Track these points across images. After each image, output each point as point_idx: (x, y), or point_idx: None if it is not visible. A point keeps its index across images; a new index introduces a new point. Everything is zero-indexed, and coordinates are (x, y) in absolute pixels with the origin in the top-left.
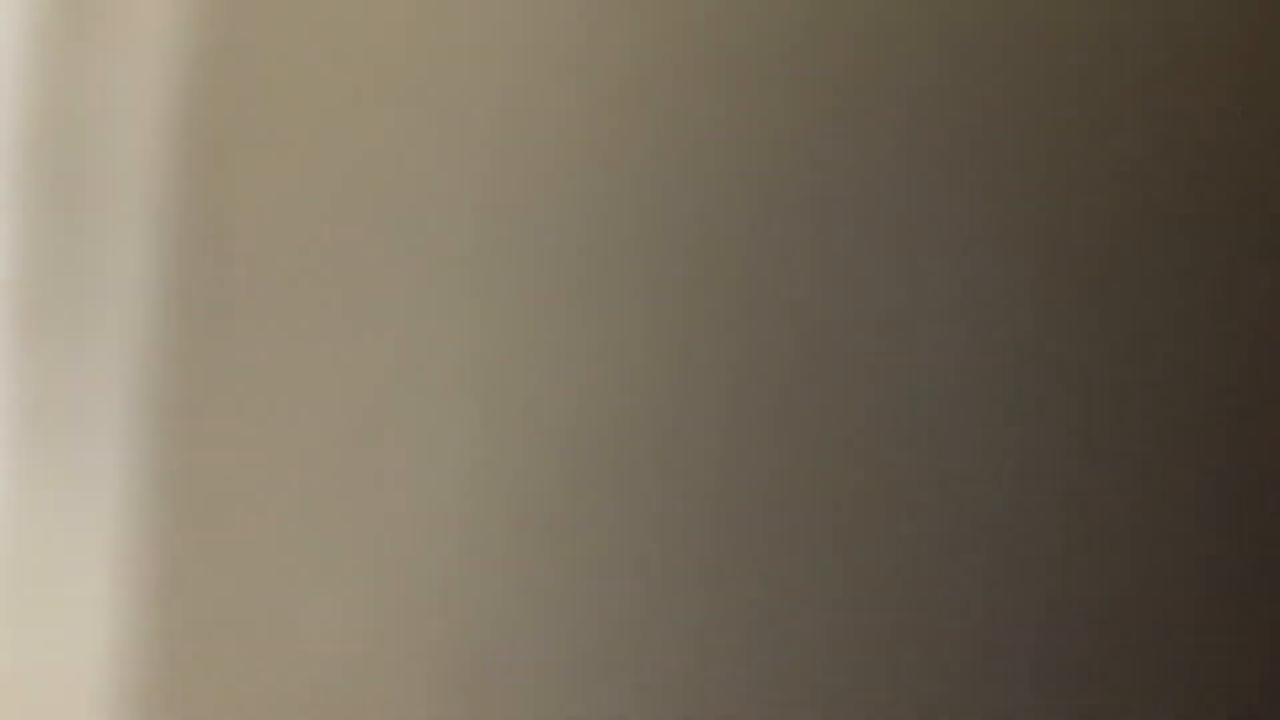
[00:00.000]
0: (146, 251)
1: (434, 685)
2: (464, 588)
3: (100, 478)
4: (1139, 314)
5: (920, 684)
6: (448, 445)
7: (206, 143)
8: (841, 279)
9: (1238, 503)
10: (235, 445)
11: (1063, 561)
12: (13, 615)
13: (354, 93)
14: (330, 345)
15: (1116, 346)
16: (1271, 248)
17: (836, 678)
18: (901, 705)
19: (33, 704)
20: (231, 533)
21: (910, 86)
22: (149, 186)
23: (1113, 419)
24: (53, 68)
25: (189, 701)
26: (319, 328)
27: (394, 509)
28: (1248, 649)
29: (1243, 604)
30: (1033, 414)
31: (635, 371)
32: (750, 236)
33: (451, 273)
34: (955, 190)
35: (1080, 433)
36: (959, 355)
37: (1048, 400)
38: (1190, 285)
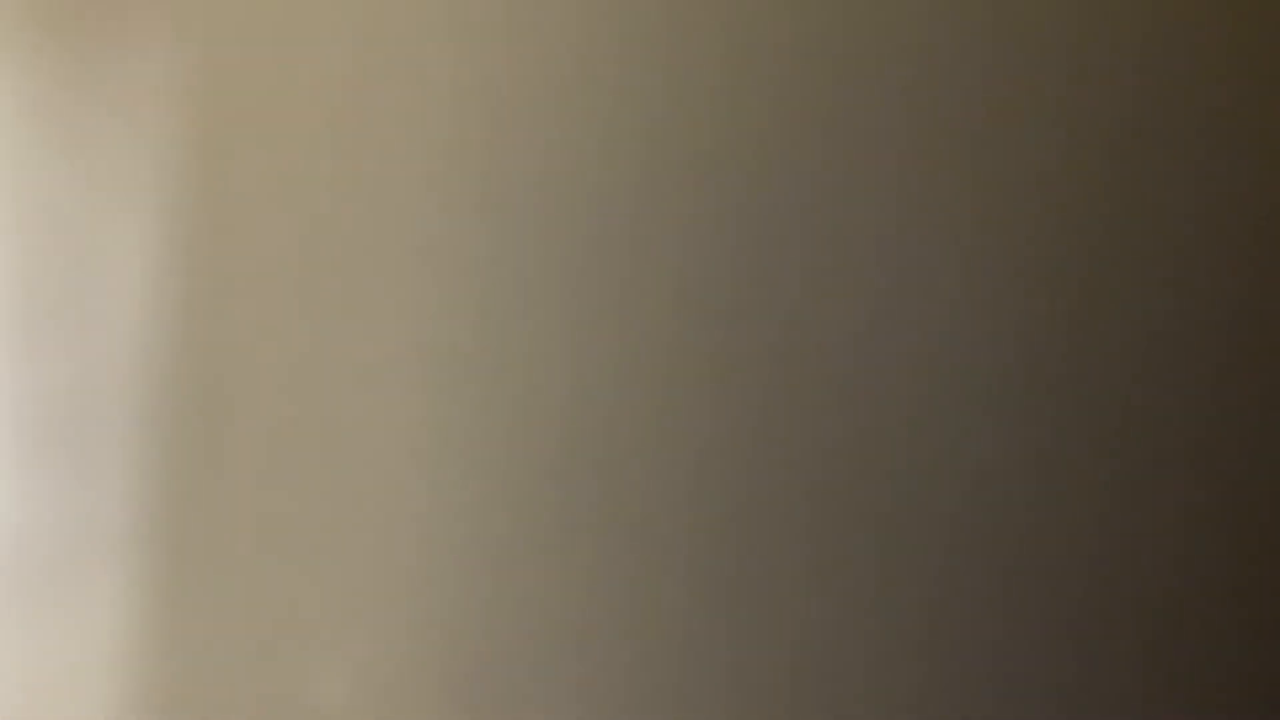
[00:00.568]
0: (150, 254)
1: (436, 688)
2: (464, 589)
3: (107, 482)
4: (1139, 314)
5: (920, 684)
6: (449, 449)
7: (204, 134)
8: (840, 279)
9: (1238, 503)
10: (235, 450)
11: (1063, 562)
12: (19, 620)
13: (352, 95)
14: (331, 346)
15: (1116, 347)
16: (1272, 248)
17: (835, 675)
18: (901, 705)
19: (39, 708)
20: (234, 538)
21: (908, 87)
22: (148, 186)
23: (1113, 419)
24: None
25: (193, 705)
26: (320, 328)
27: (395, 511)
28: (1248, 649)
29: (1243, 604)
30: (1032, 414)
31: (636, 371)
32: (749, 236)
33: (451, 275)
34: (954, 191)
35: (1080, 433)
36: (958, 355)
37: (1047, 400)
38: (1191, 285)
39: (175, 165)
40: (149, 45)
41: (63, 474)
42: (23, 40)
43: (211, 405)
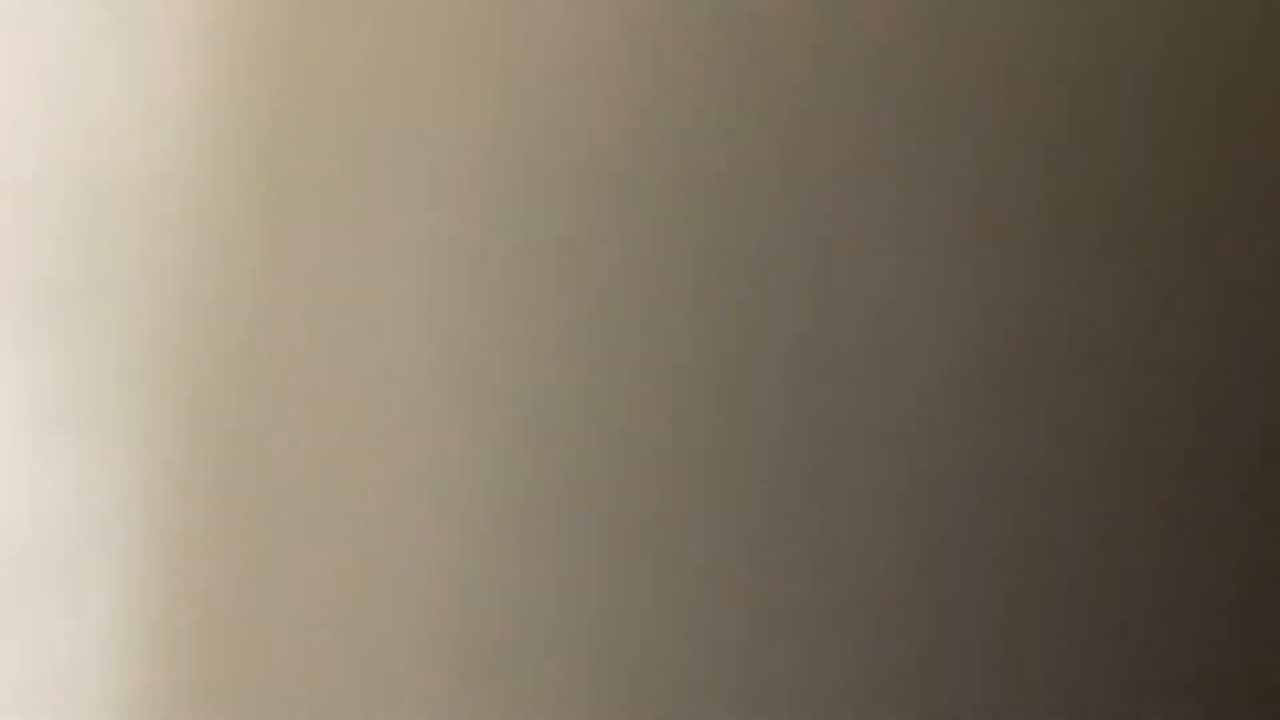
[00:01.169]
0: (155, 250)
1: (440, 686)
2: (470, 586)
3: (112, 477)
4: (1140, 315)
5: (920, 684)
6: (455, 440)
7: (214, 145)
8: (840, 279)
9: (1238, 504)
10: (238, 448)
11: (1064, 563)
12: (20, 619)
13: (352, 96)
14: (339, 346)
15: (1116, 347)
16: (1272, 248)
17: (842, 675)
18: (901, 706)
19: (38, 707)
20: (236, 536)
21: (908, 86)
22: (155, 183)
23: (1113, 420)
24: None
25: (198, 699)
26: (327, 326)
27: (399, 509)
28: (1248, 649)
29: (1242, 604)
30: (1032, 414)
31: (637, 371)
32: (749, 236)
33: (456, 273)
34: (954, 191)
35: (1079, 434)
36: (959, 355)
37: (1047, 401)
38: (1191, 286)
39: (188, 161)
40: (163, 37)
41: (65, 472)
42: (34, 32)
43: (215, 404)
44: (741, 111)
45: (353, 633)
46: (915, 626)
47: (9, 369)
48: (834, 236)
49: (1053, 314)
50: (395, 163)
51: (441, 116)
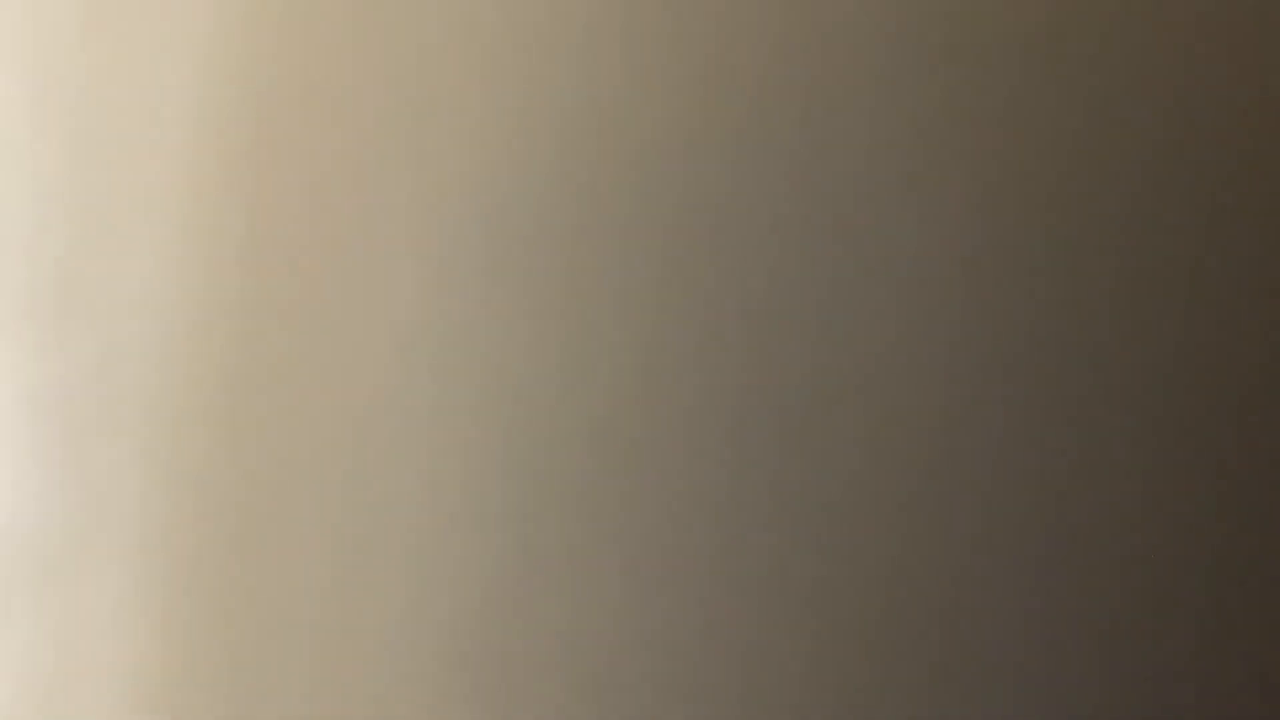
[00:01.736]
0: (157, 249)
1: (440, 688)
2: (471, 590)
3: (111, 480)
4: (1140, 315)
5: (919, 685)
6: (452, 442)
7: (212, 146)
8: (840, 279)
9: (1238, 504)
10: (240, 449)
11: (1064, 564)
12: (21, 618)
13: (351, 97)
14: (338, 345)
15: (1117, 348)
16: (1272, 249)
17: (842, 677)
18: (900, 706)
19: (40, 706)
20: (238, 536)
21: (908, 86)
22: (157, 182)
23: (1114, 421)
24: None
25: (201, 701)
26: (331, 327)
27: (402, 511)
28: (1247, 650)
29: (1242, 605)
30: (1032, 415)
31: (634, 372)
32: (749, 237)
33: (455, 274)
34: (955, 191)
35: (1080, 434)
36: (959, 355)
37: (1048, 403)
38: (1192, 286)
39: (188, 161)
40: (161, 37)
41: (67, 471)
42: (39, 32)
43: (217, 403)
44: (745, 113)
45: (351, 629)
46: (926, 636)
47: (6, 367)
48: (840, 239)
49: (1058, 321)
50: (390, 163)
51: (437, 117)
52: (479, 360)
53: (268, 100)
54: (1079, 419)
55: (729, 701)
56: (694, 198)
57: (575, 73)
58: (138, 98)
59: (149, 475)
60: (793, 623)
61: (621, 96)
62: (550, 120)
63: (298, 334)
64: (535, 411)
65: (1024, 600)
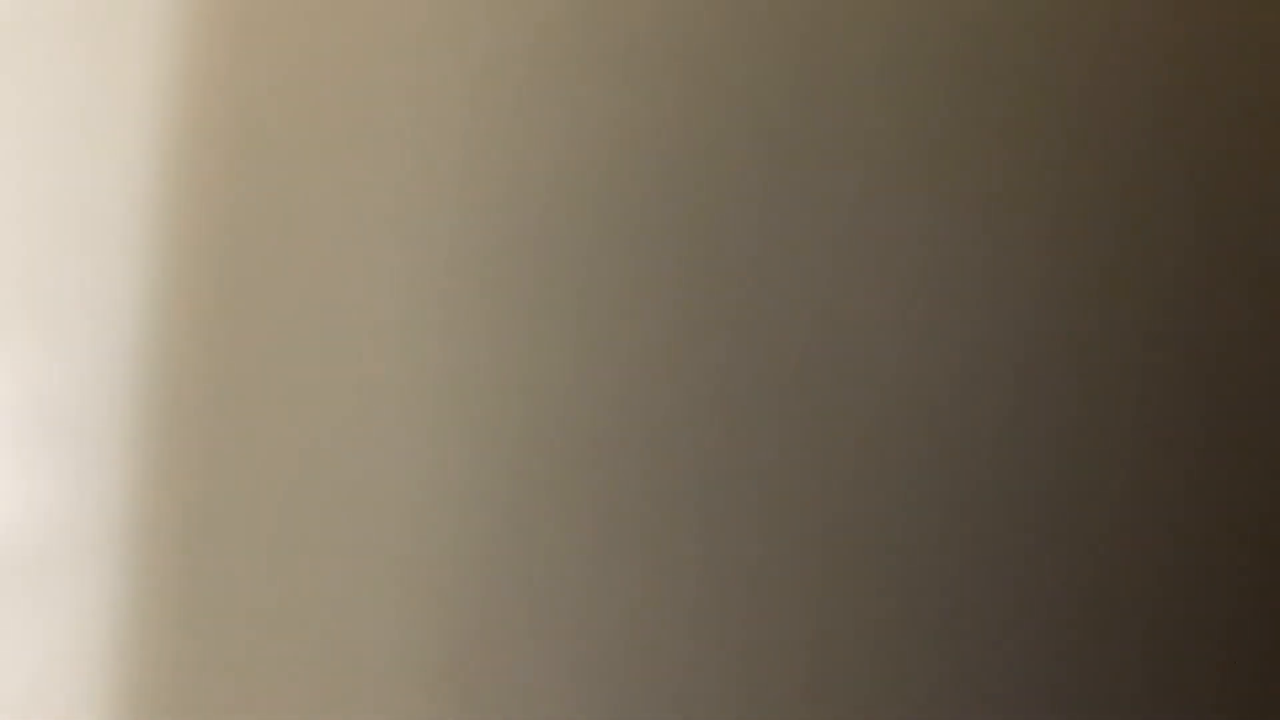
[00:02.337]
0: (148, 251)
1: (431, 686)
2: (461, 588)
3: (103, 481)
4: (1140, 316)
5: (919, 685)
6: (443, 443)
7: (202, 147)
8: (839, 279)
9: (1238, 504)
10: (232, 449)
11: (1064, 564)
12: (14, 618)
13: (345, 99)
14: (326, 346)
15: (1117, 348)
16: (1273, 249)
17: (835, 674)
18: (899, 706)
19: (33, 705)
20: (230, 536)
21: (910, 86)
22: (146, 185)
23: (1113, 421)
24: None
25: (182, 700)
26: (314, 328)
27: (393, 509)
28: (1248, 650)
29: (1242, 605)
30: (1032, 415)
31: (634, 370)
32: (748, 237)
33: (445, 276)
34: (955, 191)
35: (1079, 434)
36: (959, 355)
37: (1047, 402)
38: (1193, 286)
39: (177, 163)
40: (149, 41)
41: (58, 472)
42: (24, 35)
43: (208, 405)
44: (741, 113)
45: (337, 635)
46: (917, 631)
47: (1, 370)
48: (838, 240)
49: (1052, 315)
50: (383, 164)
51: (432, 117)
52: (469, 362)
53: (258, 101)
54: (1078, 419)
55: (729, 701)
56: (693, 198)
57: (569, 72)
58: (129, 101)
59: (138, 477)
60: (793, 623)
61: (620, 96)
62: (550, 120)
63: (289, 336)
64: (532, 412)
65: (1024, 600)
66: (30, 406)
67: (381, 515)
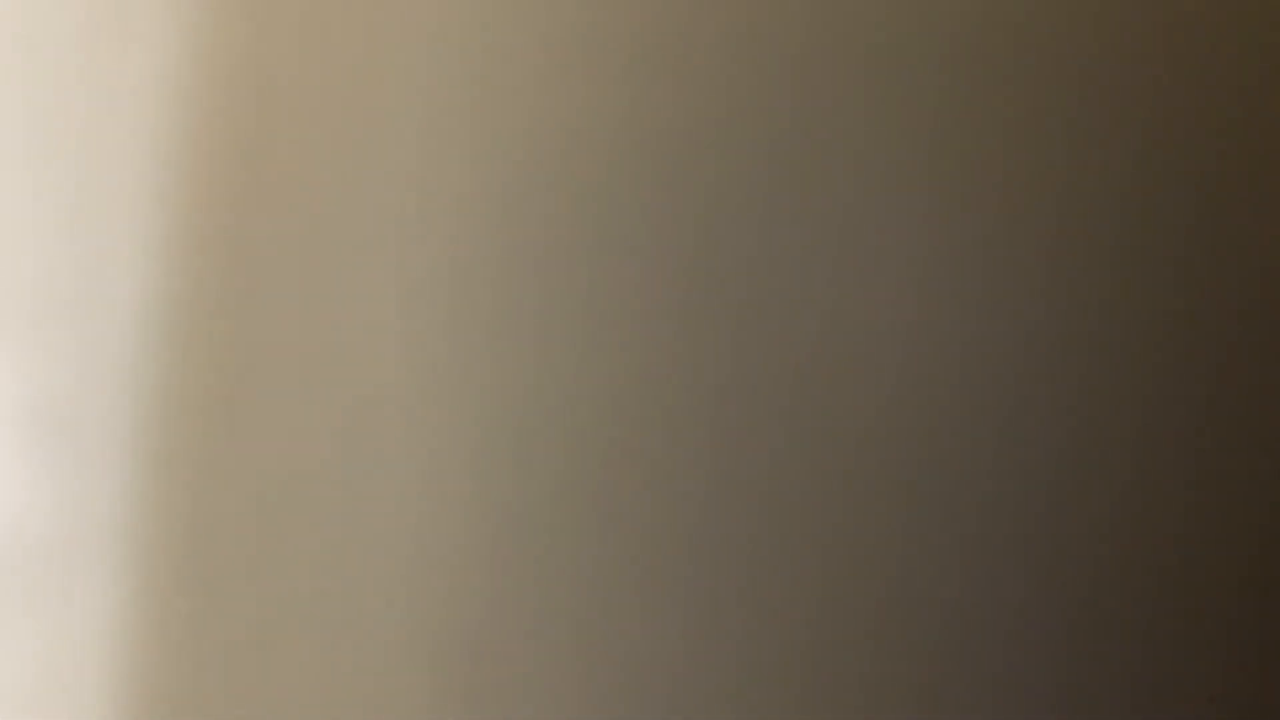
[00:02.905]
0: (147, 251)
1: (431, 687)
2: (461, 588)
3: (105, 480)
4: (1140, 316)
5: (919, 686)
6: (444, 444)
7: (201, 147)
8: (841, 279)
9: (1238, 504)
10: (233, 448)
11: (1065, 565)
12: (15, 618)
13: (355, 95)
14: (326, 345)
15: (1118, 348)
16: (1273, 249)
17: (835, 674)
18: (900, 707)
19: (34, 705)
20: (231, 535)
21: (911, 86)
22: (145, 186)
23: (1114, 421)
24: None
25: (189, 703)
26: (320, 326)
27: (393, 508)
28: (1247, 650)
29: (1242, 605)
30: (1033, 415)
31: (636, 369)
32: (750, 237)
33: (447, 277)
34: (955, 191)
35: (1080, 434)
36: (959, 355)
37: (1048, 402)
38: (1193, 286)
39: (176, 164)
40: (152, 42)
41: (60, 472)
42: (25, 36)
43: (210, 403)
44: (743, 114)
45: (341, 632)
46: (914, 636)
47: (3, 370)
48: (835, 240)
49: (1058, 320)
50: (384, 165)
51: (435, 118)
52: (471, 362)
53: (259, 102)
54: (1079, 419)
55: (730, 701)
56: (695, 198)
57: (566, 73)
58: (118, 100)
59: (140, 477)
60: (795, 623)
61: (621, 96)
62: (551, 120)
63: (291, 337)
64: (534, 412)
65: (1024, 601)
66: (32, 407)
67: (383, 516)
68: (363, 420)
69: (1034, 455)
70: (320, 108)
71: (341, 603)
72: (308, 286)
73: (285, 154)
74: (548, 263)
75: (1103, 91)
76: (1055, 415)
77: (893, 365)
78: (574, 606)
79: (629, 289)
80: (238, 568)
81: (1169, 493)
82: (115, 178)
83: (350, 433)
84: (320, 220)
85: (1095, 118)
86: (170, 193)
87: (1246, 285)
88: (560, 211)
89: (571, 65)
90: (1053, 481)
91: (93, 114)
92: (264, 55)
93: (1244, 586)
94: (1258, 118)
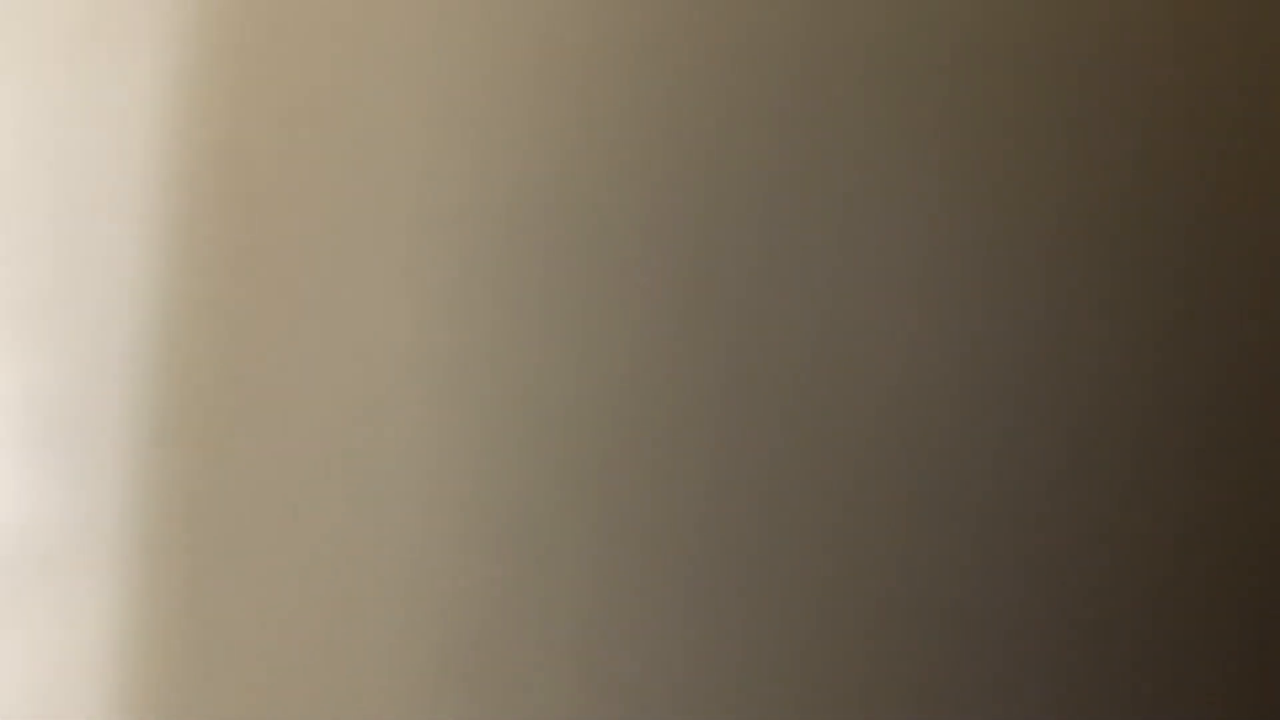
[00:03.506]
0: (148, 253)
1: (433, 687)
2: (464, 588)
3: (104, 483)
4: (1142, 316)
5: (920, 686)
6: (446, 444)
7: (202, 148)
8: (842, 279)
9: (1238, 504)
10: (234, 450)
11: (1066, 565)
12: (15, 620)
13: (346, 100)
14: (328, 346)
15: (1119, 348)
16: (1273, 249)
17: (835, 674)
18: (900, 707)
19: (34, 708)
20: (231, 538)
21: (912, 86)
22: (147, 186)
23: (1115, 421)
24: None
25: (189, 705)
26: (321, 327)
27: (395, 509)
28: (1247, 650)
29: (1243, 606)
30: (1034, 415)
31: (631, 370)
32: (752, 237)
33: (440, 275)
34: (955, 191)
35: (1081, 435)
36: (960, 355)
37: (1049, 402)
38: (1195, 287)
39: (178, 164)
40: (152, 42)
41: (60, 474)
42: (20, 39)
43: (210, 406)
44: (740, 113)
45: (344, 631)
46: (915, 636)
47: (2, 371)
48: (836, 240)
49: (1059, 320)
50: (385, 165)
51: (437, 117)
52: (472, 361)
53: (259, 103)
54: (1080, 419)
55: (731, 701)
56: (696, 198)
57: (564, 73)
58: (115, 100)
59: (142, 478)
60: (796, 623)
61: (621, 96)
62: (552, 120)
63: (292, 337)
64: (535, 412)
65: (1025, 601)
66: (33, 408)
67: (385, 517)
68: (365, 422)
69: (1035, 455)
70: (320, 108)
71: (345, 604)
72: (309, 288)
73: (286, 154)
74: (548, 263)
75: (1104, 92)
76: (1057, 415)
77: (894, 365)
78: (576, 606)
79: (630, 289)
80: (240, 570)
81: (1170, 493)
82: (116, 178)
83: (353, 435)
84: (321, 221)
85: (1097, 118)
86: (172, 194)
87: (1250, 286)
88: (560, 211)
89: (572, 65)
90: (1054, 482)
91: (93, 114)
92: (264, 55)
93: (1245, 587)
94: (1259, 118)
